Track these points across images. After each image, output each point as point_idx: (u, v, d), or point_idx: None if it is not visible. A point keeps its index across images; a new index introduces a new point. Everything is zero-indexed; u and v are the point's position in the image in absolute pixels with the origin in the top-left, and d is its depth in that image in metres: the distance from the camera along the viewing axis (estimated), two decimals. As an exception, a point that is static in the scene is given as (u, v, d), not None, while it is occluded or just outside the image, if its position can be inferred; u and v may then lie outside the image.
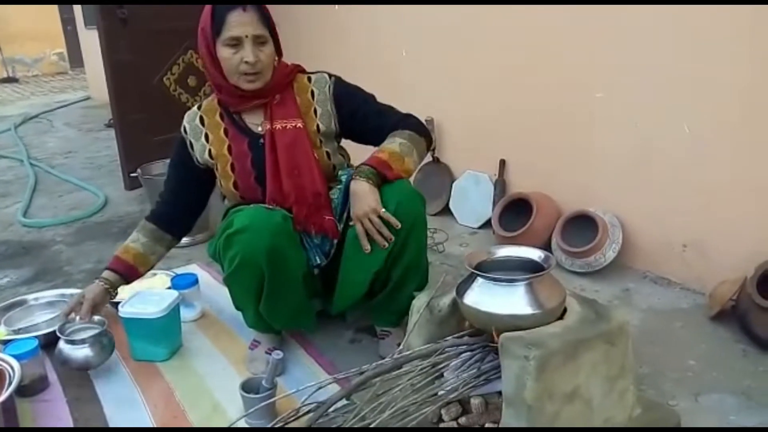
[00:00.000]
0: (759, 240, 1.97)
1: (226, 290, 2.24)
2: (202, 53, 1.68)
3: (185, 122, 1.80)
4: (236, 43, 1.59)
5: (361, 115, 1.76)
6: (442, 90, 3.01)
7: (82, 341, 1.71)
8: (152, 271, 2.29)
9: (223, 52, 1.61)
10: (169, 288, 2.02)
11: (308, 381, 1.53)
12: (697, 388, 1.65)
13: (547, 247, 2.44)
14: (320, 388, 1.31)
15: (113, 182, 3.73)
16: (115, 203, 3.39)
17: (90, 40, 6.70)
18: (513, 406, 1.23)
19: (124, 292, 2.13)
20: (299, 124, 1.71)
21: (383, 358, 1.47)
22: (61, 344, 1.71)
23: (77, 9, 7.16)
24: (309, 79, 1.77)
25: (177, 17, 3.64)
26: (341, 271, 1.72)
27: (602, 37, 2.29)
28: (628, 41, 2.21)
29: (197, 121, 1.78)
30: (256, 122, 1.74)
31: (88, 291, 1.77)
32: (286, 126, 1.70)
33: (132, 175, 3.10)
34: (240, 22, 1.58)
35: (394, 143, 1.66)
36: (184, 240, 2.73)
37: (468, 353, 1.38)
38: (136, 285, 2.17)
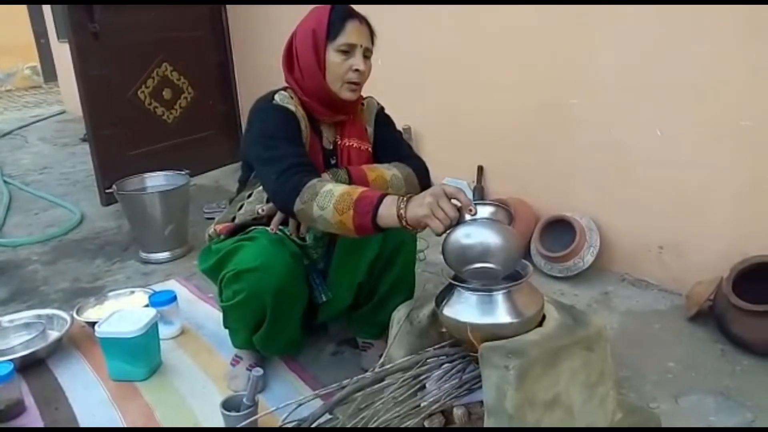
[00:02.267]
0: (733, 240, 2.01)
1: (205, 305, 2.24)
2: (305, 54, 1.61)
3: (281, 101, 1.61)
4: (349, 50, 1.59)
5: (383, 139, 1.78)
6: (419, 98, 3.03)
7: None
8: (130, 289, 2.28)
9: (334, 57, 1.59)
10: (147, 306, 2.00)
11: (290, 396, 1.51)
12: (676, 390, 1.67)
13: (526, 252, 2.46)
14: (300, 405, 1.30)
15: (89, 198, 3.67)
16: (91, 220, 3.34)
17: (63, 54, 6.60)
18: (494, 415, 1.23)
19: (102, 311, 2.12)
20: (369, 148, 1.75)
21: (366, 371, 1.46)
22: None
23: (50, 22, 7.07)
24: (362, 103, 1.79)
25: (150, 30, 3.61)
26: (327, 282, 1.73)
27: (576, 44, 2.32)
28: (601, 48, 2.24)
29: (292, 105, 1.62)
30: (329, 138, 1.72)
31: (440, 188, 1.29)
32: (360, 146, 1.72)
33: (108, 191, 3.06)
34: (358, 32, 1.60)
35: (390, 171, 1.65)
36: (162, 255, 2.70)
37: (449, 364, 1.38)
38: (114, 304, 2.15)
